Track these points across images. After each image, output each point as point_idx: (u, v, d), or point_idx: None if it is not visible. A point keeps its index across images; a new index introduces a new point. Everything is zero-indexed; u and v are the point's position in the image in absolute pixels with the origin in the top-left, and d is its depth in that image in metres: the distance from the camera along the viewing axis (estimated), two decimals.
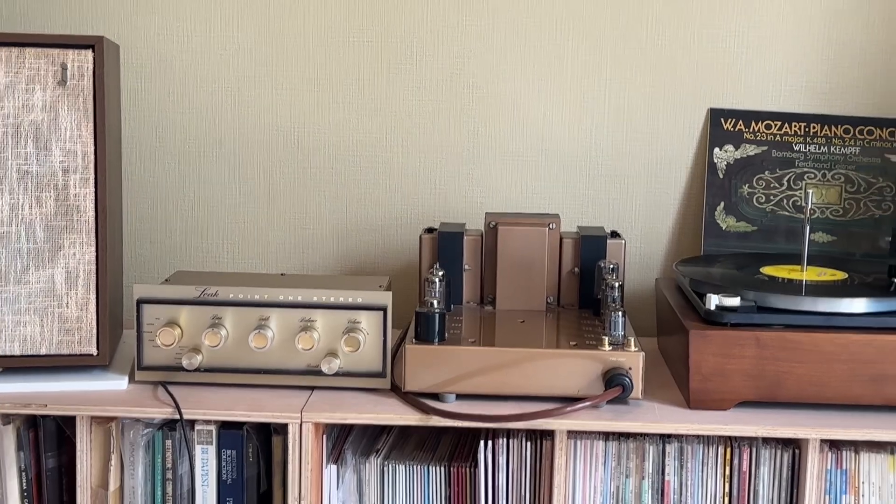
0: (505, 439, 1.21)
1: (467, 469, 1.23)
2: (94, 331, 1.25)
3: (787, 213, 1.52)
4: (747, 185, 1.52)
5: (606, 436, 1.21)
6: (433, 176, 1.57)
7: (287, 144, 1.57)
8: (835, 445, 1.20)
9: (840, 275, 1.33)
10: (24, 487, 1.24)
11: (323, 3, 1.54)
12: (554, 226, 1.40)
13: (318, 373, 1.24)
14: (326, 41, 1.55)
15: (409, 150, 1.56)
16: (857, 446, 1.20)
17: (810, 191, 1.50)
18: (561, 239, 1.41)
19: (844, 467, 1.20)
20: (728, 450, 1.21)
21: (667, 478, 1.21)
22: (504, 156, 1.56)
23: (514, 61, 1.54)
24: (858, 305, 1.21)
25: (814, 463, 1.18)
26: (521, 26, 1.53)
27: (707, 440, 1.21)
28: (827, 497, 1.20)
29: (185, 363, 1.24)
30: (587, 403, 1.17)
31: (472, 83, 1.55)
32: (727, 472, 1.21)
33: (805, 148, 1.52)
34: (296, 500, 1.19)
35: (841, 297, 1.22)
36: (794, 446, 1.20)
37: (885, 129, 1.52)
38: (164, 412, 1.19)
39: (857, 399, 1.20)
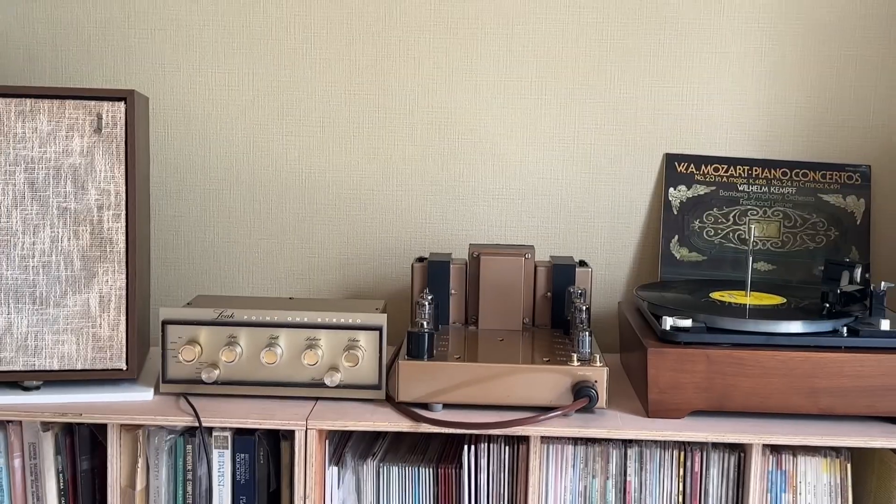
0: (486, 444, 1.21)
1: (453, 470, 1.23)
2: (124, 348, 1.24)
3: (732, 245, 1.52)
4: (698, 220, 1.52)
5: (575, 441, 1.21)
6: (423, 212, 1.57)
7: (295, 184, 1.56)
8: (775, 450, 1.21)
9: (779, 299, 1.34)
10: (62, 487, 1.24)
11: (328, 61, 1.54)
12: (529, 256, 1.40)
13: (322, 385, 1.24)
14: (331, 94, 1.55)
15: (403, 189, 1.56)
16: (794, 450, 1.21)
17: (753, 226, 1.52)
18: (535, 267, 1.41)
19: (784, 469, 1.20)
20: (682, 453, 1.21)
21: (628, 478, 1.21)
22: (485, 195, 1.56)
23: (495, 113, 1.54)
24: (795, 326, 1.21)
25: (757, 465, 1.19)
26: (501, 83, 1.54)
27: (664, 445, 1.21)
28: (768, 495, 1.21)
29: (204, 377, 1.23)
30: (558, 413, 1.17)
31: (458, 132, 1.55)
32: (681, 473, 1.21)
33: (748, 188, 1.53)
34: (301, 498, 1.19)
35: (780, 320, 1.22)
36: (740, 450, 1.20)
37: (817, 172, 1.52)
38: (185, 420, 1.19)
39: (795, 409, 1.20)
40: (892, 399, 1.18)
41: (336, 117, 1.55)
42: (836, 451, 1.20)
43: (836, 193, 1.51)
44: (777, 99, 1.52)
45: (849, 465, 1.19)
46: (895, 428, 1.18)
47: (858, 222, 1.51)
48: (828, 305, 1.28)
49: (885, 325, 1.21)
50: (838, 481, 1.19)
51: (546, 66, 1.53)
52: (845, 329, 1.21)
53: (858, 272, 1.27)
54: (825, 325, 1.22)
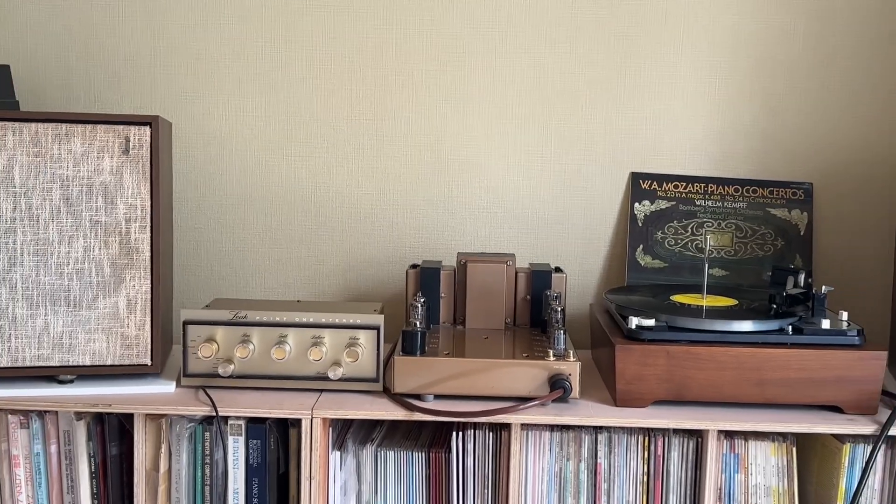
0: (473, 431, 1.21)
1: (443, 454, 1.22)
2: (149, 346, 1.24)
3: (690, 254, 1.52)
4: (660, 231, 1.52)
5: (552, 428, 1.21)
6: (417, 224, 1.56)
7: (303, 199, 1.56)
8: (729, 435, 1.20)
9: (732, 301, 1.34)
10: (93, 470, 1.23)
11: (332, 91, 1.54)
12: (510, 263, 1.40)
13: (326, 378, 1.24)
14: (334, 120, 1.55)
15: (398, 204, 1.56)
16: (746, 435, 1.20)
17: (708, 236, 1.51)
18: (516, 273, 1.41)
19: (737, 452, 1.20)
20: (646, 438, 1.20)
21: (599, 461, 1.21)
22: (472, 209, 1.56)
23: (480, 137, 1.55)
24: (746, 325, 1.21)
25: (713, 449, 1.18)
26: (486, 111, 1.54)
27: (630, 431, 1.21)
28: (723, 476, 1.20)
29: (220, 371, 1.23)
30: (536, 402, 1.17)
31: (447, 154, 1.55)
32: (646, 456, 1.21)
33: (704, 203, 1.52)
34: (307, 479, 1.18)
35: (732, 319, 1.22)
36: (698, 436, 1.20)
37: (766, 189, 1.52)
38: (203, 410, 1.19)
39: (746, 398, 1.20)
40: (832, 390, 1.18)
41: (339, 140, 1.55)
42: (782, 436, 1.20)
43: (783, 207, 1.52)
44: (729, 124, 1.53)
45: (794, 449, 1.19)
46: (835, 415, 1.18)
47: (802, 233, 1.51)
48: (775, 307, 1.28)
49: (825, 324, 1.21)
50: (785, 463, 1.19)
51: (526, 95, 1.54)
52: (790, 328, 1.21)
53: (802, 277, 1.27)
54: (772, 325, 1.22)
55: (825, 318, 1.23)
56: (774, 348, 1.18)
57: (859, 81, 1.51)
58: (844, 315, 1.24)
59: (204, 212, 1.56)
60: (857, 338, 1.20)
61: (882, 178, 1.52)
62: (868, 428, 1.16)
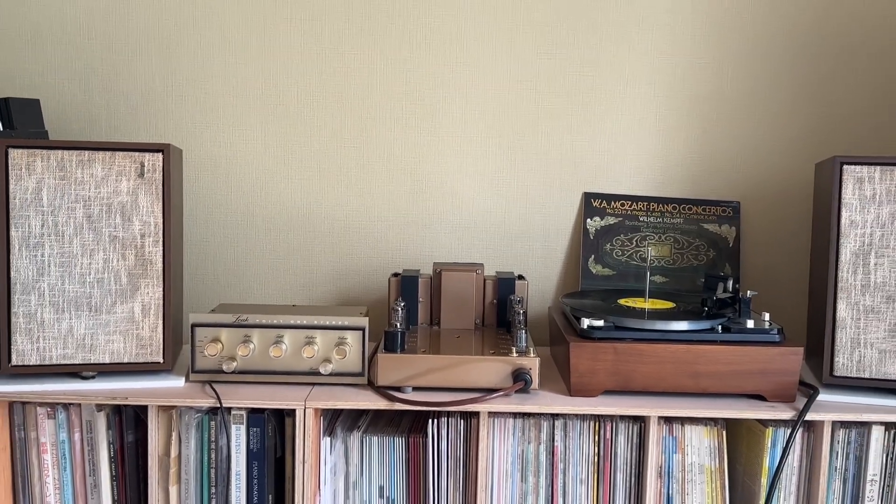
0: (446, 418, 1.21)
1: (420, 439, 1.23)
2: (161, 346, 1.23)
3: (635, 263, 1.52)
4: (609, 243, 1.53)
5: (515, 415, 1.21)
6: (398, 238, 1.56)
7: (298, 216, 1.56)
8: (668, 420, 1.21)
9: (670, 304, 1.34)
10: (112, 455, 1.23)
11: (323, 121, 1.54)
12: (480, 271, 1.40)
13: (317, 373, 1.23)
14: (325, 146, 1.54)
15: (382, 220, 1.56)
16: (682, 421, 1.21)
17: (650, 248, 1.52)
18: (484, 280, 1.41)
19: (675, 435, 1.21)
20: (597, 424, 1.21)
21: (556, 444, 1.21)
22: (446, 224, 1.56)
23: (453, 162, 1.55)
24: (682, 325, 1.22)
25: (654, 432, 1.19)
26: (457, 138, 1.54)
27: (583, 417, 1.21)
28: (663, 456, 1.21)
29: (224, 368, 1.22)
30: (501, 393, 1.17)
31: (424, 176, 1.55)
32: (596, 439, 1.21)
33: (647, 219, 1.53)
34: (301, 462, 1.18)
35: (670, 320, 1.23)
36: (641, 421, 1.21)
37: (699, 207, 1.53)
38: (209, 402, 1.18)
39: (682, 389, 1.20)
40: (756, 381, 1.19)
41: (329, 164, 1.55)
42: (714, 421, 1.21)
43: (714, 223, 1.52)
44: (668, 151, 1.54)
45: (724, 432, 1.20)
46: (759, 403, 1.19)
47: (731, 245, 1.52)
48: (707, 309, 1.29)
49: (750, 323, 1.22)
50: (716, 444, 1.20)
51: (492, 126, 1.54)
52: (720, 327, 1.22)
53: (730, 283, 1.28)
54: (705, 324, 1.22)
55: (750, 318, 1.24)
56: (706, 345, 1.19)
57: (779, 113, 1.53)
58: (766, 316, 1.25)
59: (211, 227, 1.55)
60: (777, 335, 1.21)
61: (798, 197, 1.54)
62: (787, 414, 1.17)
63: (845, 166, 1.20)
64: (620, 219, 1.53)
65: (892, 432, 1.19)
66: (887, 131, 1.52)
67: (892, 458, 1.20)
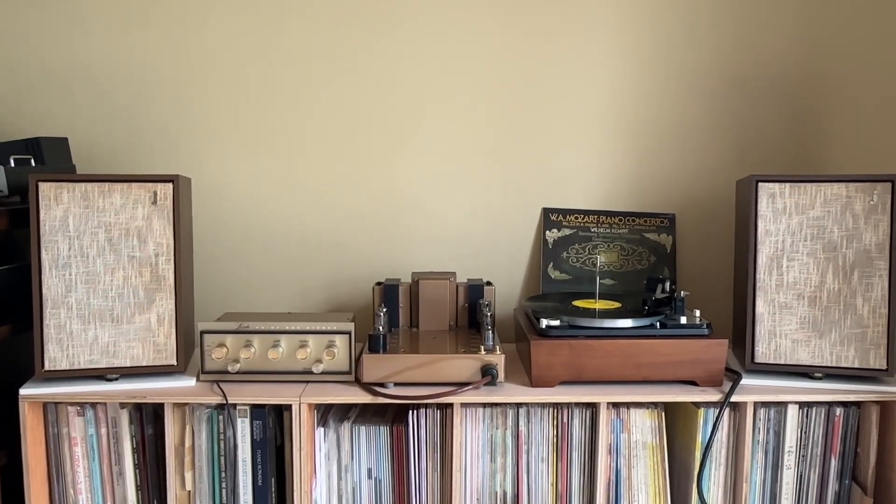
0: (424, 409, 1.21)
1: (402, 428, 1.23)
2: (175, 351, 1.24)
3: (588, 268, 1.53)
4: (565, 252, 1.53)
5: (484, 405, 1.22)
6: (381, 252, 1.56)
7: (294, 235, 1.56)
8: (616, 405, 1.22)
9: (617, 304, 1.35)
10: (134, 447, 1.24)
11: (314, 151, 1.54)
12: (453, 279, 1.40)
13: (310, 373, 1.24)
14: (317, 174, 1.54)
15: (368, 236, 1.56)
16: (628, 405, 1.22)
17: (600, 255, 1.53)
18: (457, 287, 1.41)
19: (622, 418, 1.22)
20: (555, 410, 1.22)
21: (520, 429, 1.22)
22: (423, 239, 1.56)
23: (429, 183, 1.55)
24: (627, 323, 1.23)
25: (604, 416, 1.20)
26: (432, 161, 1.55)
27: (542, 405, 1.22)
28: (612, 436, 1.22)
29: (229, 369, 1.23)
30: (472, 386, 1.17)
31: (404, 197, 1.55)
32: (555, 423, 1.22)
33: (597, 230, 1.54)
34: (298, 450, 1.19)
35: (617, 318, 1.24)
36: (593, 407, 1.22)
37: (641, 219, 1.54)
38: (217, 399, 1.19)
39: (628, 377, 1.21)
40: (689, 369, 1.21)
41: (320, 188, 1.55)
42: (654, 405, 1.22)
43: (654, 232, 1.54)
44: (614, 170, 1.55)
45: (663, 414, 1.22)
46: (692, 388, 1.21)
47: (668, 251, 1.53)
48: (647, 308, 1.30)
49: (683, 320, 1.24)
50: (657, 424, 1.21)
51: (460, 150, 1.55)
52: (658, 323, 1.23)
53: (668, 285, 1.30)
54: (646, 321, 1.23)
55: (684, 315, 1.26)
56: (647, 339, 1.20)
57: (706, 138, 1.55)
58: (697, 313, 1.27)
59: (218, 245, 1.56)
60: (706, 330, 1.23)
61: (723, 209, 1.56)
62: (716, 396, 1.19)
63: (760, 183, 1.24)
64: (575, 230, 1.54)
65: (805, 410, 1.22)
66: (796, 152, 1.55)
67: (805, 432, 1.23)
